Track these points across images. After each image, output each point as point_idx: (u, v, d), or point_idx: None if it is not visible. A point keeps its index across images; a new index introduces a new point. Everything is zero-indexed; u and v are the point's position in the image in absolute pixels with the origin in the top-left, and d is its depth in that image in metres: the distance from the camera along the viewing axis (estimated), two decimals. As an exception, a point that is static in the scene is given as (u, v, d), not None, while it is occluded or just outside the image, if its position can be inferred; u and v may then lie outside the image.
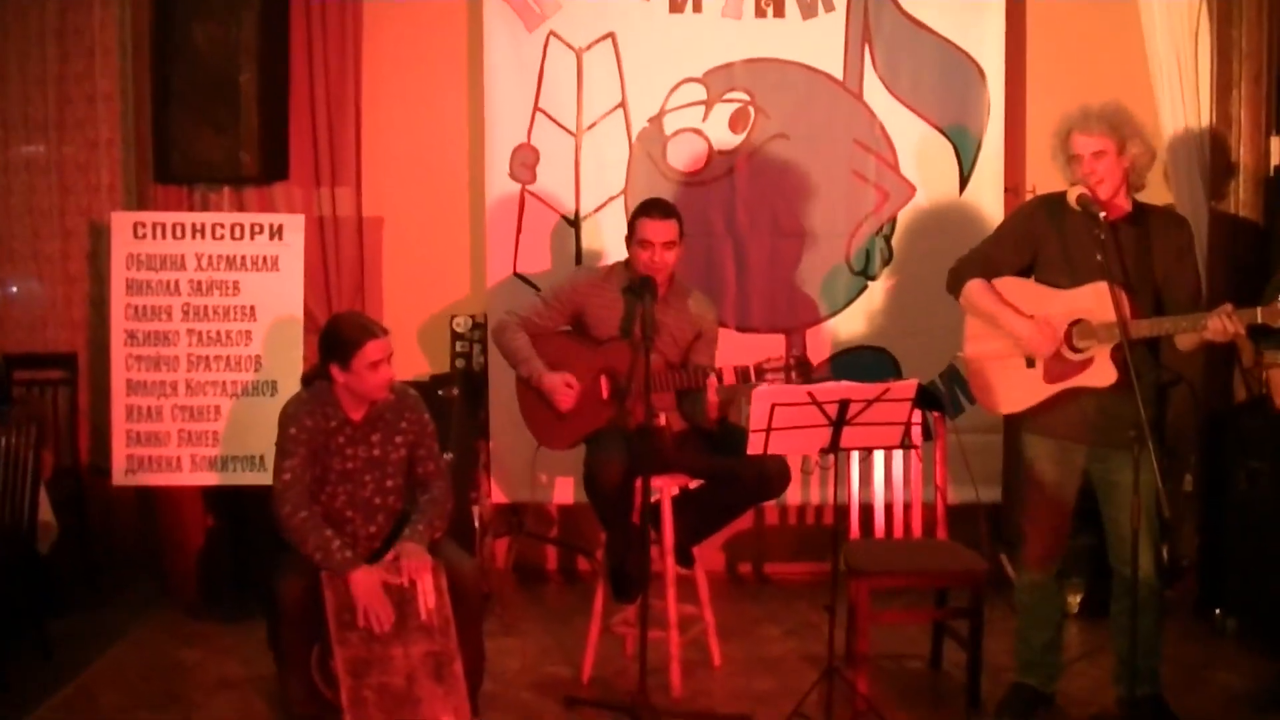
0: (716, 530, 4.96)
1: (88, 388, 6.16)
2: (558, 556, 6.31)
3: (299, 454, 4.23)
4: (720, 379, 4.66)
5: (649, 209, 4.86)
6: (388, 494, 4.38)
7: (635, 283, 4.75)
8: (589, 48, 5.85)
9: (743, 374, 4.65)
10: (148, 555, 6.12)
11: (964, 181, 5.87)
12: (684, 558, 4.87)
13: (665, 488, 4.77)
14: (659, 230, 4.80)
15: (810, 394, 4.08)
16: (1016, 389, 4.33)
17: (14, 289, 6.25)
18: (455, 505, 5.23)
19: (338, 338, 4.25)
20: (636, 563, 4.53)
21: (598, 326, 4.93)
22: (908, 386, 4.18)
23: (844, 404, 4.10)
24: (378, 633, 4.15)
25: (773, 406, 4.06)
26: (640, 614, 4.40)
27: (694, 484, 4.89)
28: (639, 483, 4.52)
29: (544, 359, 4.91)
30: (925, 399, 4.92)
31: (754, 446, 4.12)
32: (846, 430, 4.16)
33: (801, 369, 4.66)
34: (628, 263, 4.93)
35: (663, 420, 4.85)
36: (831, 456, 4.23)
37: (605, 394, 4.85)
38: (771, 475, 4.67)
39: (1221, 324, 3.93)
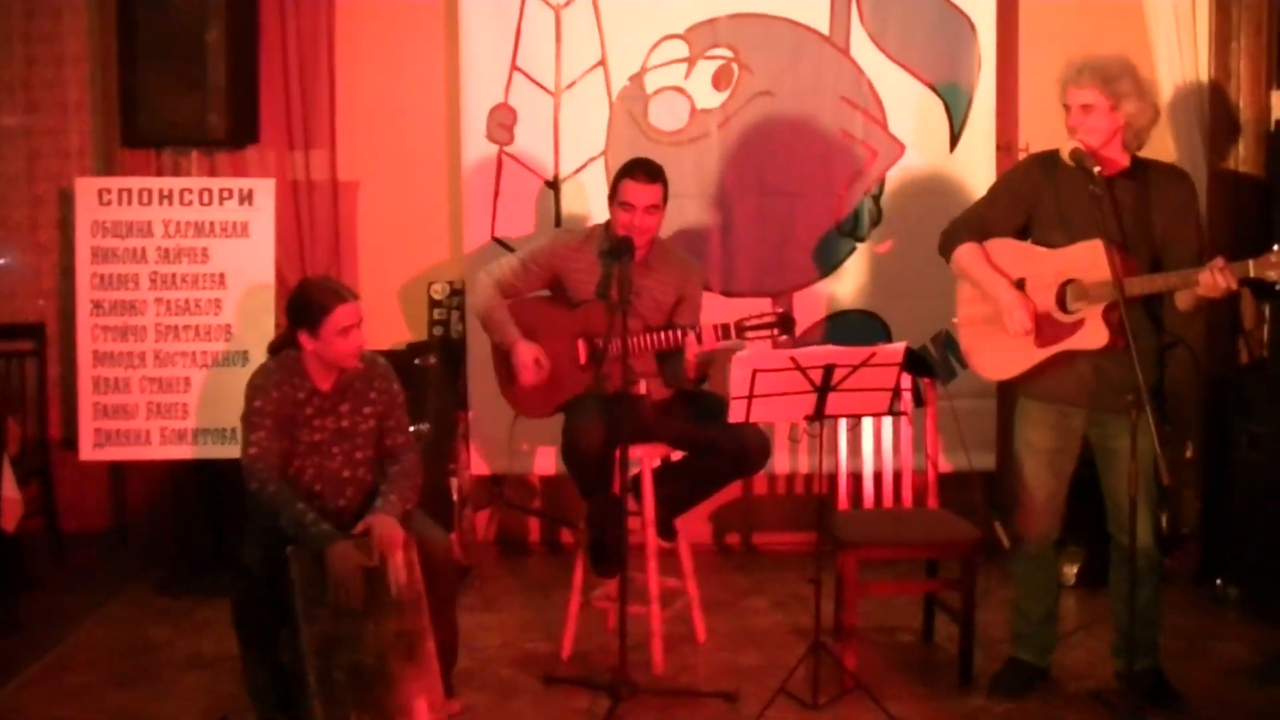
0: (698, 503, 4.82)
1: (58, 359, 6.04)
2: (540, 528, 6.18)
3: (266, 426, 4.08)
4: (700, 337, 4.51)
5: (633, 169, 4.71)
6: (357, 466, 4.22)
7: (613, 244, 4.58)
8: (568, 4, 5.71)
9: (723, 331, 4.49)
10: (120, 530, 6.04)
11: (955, 139, 5.73)
12: (665, 530, 4.73)
13: (646, 458, 4.62)
14: (642, 193, 4.65)
15: (793, 359, 3.96)
16: (1009, 354, 4.19)
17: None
18: (431, 477, 5.17)
19: (306, 302, 4.09)
20: (616, 535, 4.38)
21: (577, 290, 4.78)
22: (895, 351, 4.07)
23: (828, 369, 3.99)
24: (347, 608, 3.97)
25: (754, 372, 3.95)
26: (620, 589, 4.27)
27: (676, 455, 4.74)
28: (626, 453, 4.33)
29: (520, 323, 4.76)
30: (915, 364, 4.86)
31: (735, 414, 4.01)
32: (831, 397, 4.05)
33: (784, 325, 4.50)
34: (608, 224, 4.78)
35: (643, 388, 4.69)
36: (818, 424, 4.12)
37: (583, 359, 4.70)
38: (751, 449, 4.52)
39: (1212, 278, 3.78)
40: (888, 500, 4.76)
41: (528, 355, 4.68)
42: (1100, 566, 4.42)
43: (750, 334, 4.50)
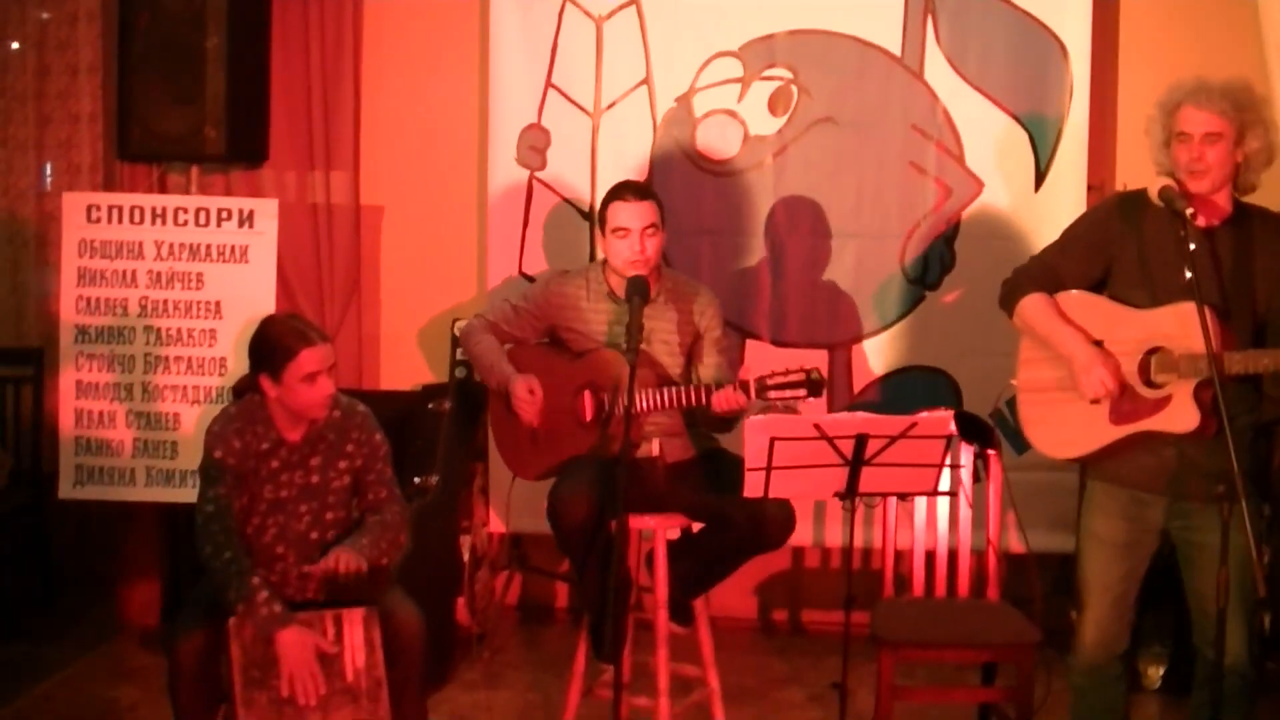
0: (714, 583, 4.31)
1: (56, 387, 5.69)
2: (569, 593, 5.77)
3: (225, 480, 3.75)
4: (706, 396, 4.07)
5: (619, 191, 4.31)
6: (326, 528, 3.85)
7: (628, 285, 4.13)
8: (610, 16, 5.37)
9: (741, 389, 4.03)
10: (117, 575, 5.66)
11: (1040, 177, 5.27)
12: (680, 613, 4.24)
13: (659, 529, 4.15)
14: (636, 213, 4.21)
15: (819, 427, 3.50)
16: (1075, 429, 3.69)
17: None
18: (439, 535, 4.92)
19: (267, 344, 3.75)
20: (612, 621, 3.90)
21: (574, 342, 4.34)
22: (941, 420, 3.61)
23: (861, 439, 3.53)
24: (302, 705, 3.60)
25: (772, 441, 3.49)
26: (615, 684, 3.83)
27: (696, 526, 4.26)
28: (625, 523, 3.90)
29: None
30: (976, 431, 4.37)
31: (751, 488, 3.55)
32: (866, 471, 3.59)
33: (813, 387, 4.01)
34: (604, 265, 4.34)
35: (655, 449, 4.23)
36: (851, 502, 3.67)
37: (588, 415, 4.24)
38: (769, 520, 4.00)
39: None
40: (940, 587, 4.26)
41: (521, 386, 4.25)
42: (1189, 669, 3.87)
43: (772, 394, 4.01)
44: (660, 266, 4.34)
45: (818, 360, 5.19)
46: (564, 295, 4.36)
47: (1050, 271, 3.78)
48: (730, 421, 4.20)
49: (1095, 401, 3.61)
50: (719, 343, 4.37)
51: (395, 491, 3.97)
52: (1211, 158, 3.51)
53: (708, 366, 4.32)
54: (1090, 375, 3.59)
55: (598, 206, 5.26)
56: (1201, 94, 3.52)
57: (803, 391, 4.00)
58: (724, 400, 4.04)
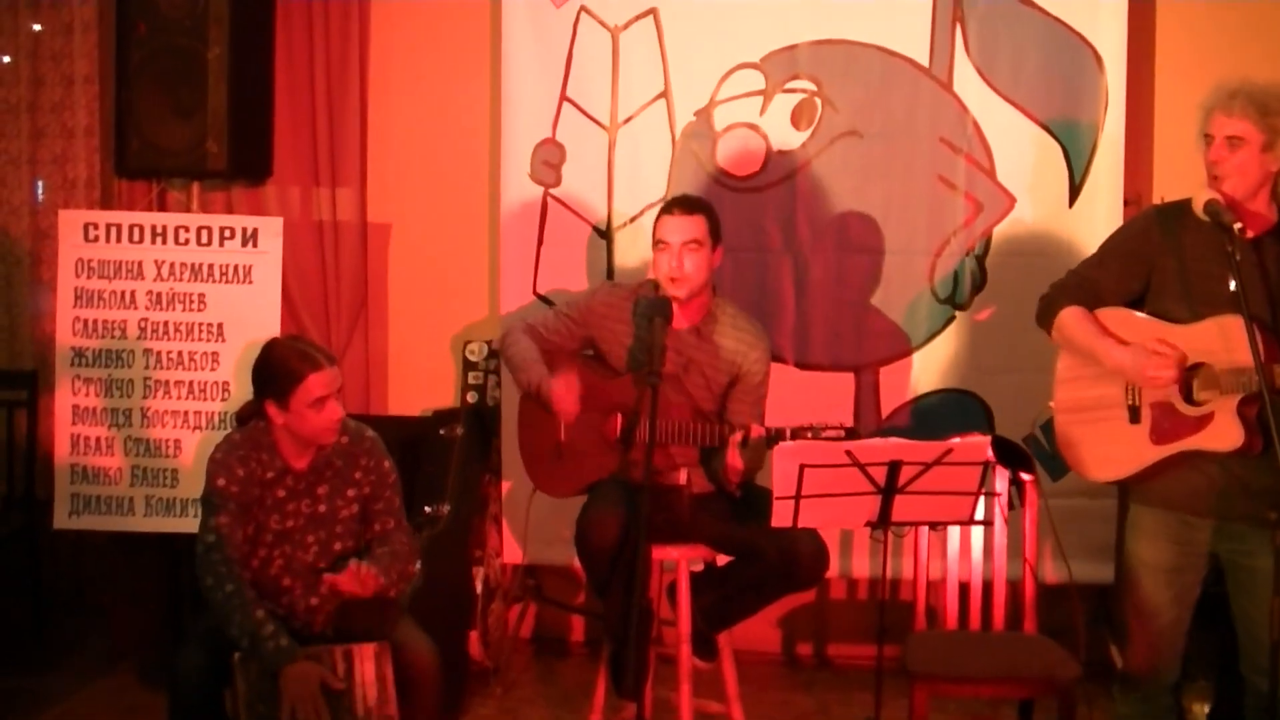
0: (741, 618, 4.33)
1: (51, 411, 5.67)
2: (585, 626, 5.76)
3: (229, 510, 3.76)
4: (747, 436, 4.02)
5: (669, 204, 4.38)
6: (334, 559, 3.85)
7: (648, 303, 4.17)
8: (626, 26, 5.36)
9: (774, 437, 4.00)
10: (113, 607, 5.63)
11: (1075, 191, 5.25)
12: (704, 648, 4.27)
13: (682, 560, 4.18)
14: (678, 226, 4.26)
15: (850, 453, 3.51)
16: (1115, 449, 3.70)
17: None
18: (451, 565, 4.94)
19: (272, 370, 3.77)
20: (634, 651, 3.88)
21: (609, 355, 4.38)
22: (978, 446, 3.60)
23: (894, 466, 3.53)
24: None
25: (801, 468, 3.49)
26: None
27: (721, 559, 4.29)
28: (648, 551, 3.96)
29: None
30: (1012, 456, 4.37)
31: (779, 518, 3.55)
32: (899, 500, 3.59)
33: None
34: (656, 282, 4.37)
35: (682, 477, 4.24)
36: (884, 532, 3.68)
37: (616, 435, 4.28)
38: (801, 556, 4.02)
39: None
40: (975, 620, 4.25)
41: (559, 384, 4.26)
42: (1238, 701, 3.85)
43: None
44: (712, 292, 4.37)
45: (844, 383, 5.31)
46: (609, 306, 4.41)
47: (1088, 285, 3.80)
48: (740, 484, 4.20)
49: (1136, 421, 3.61)
50: (755, 390, 4.35)
51: (403, 522, 3.99)
52: (1232, 162, 3.53)
53: (734, 411, 4.29)
54: (1147, 364, 3.58)
55: (615, 223, 5.37)
56: (1233, 98, 3.55)
57: None
58: (737, 445, 4.04)
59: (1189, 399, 3.58)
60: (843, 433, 3.96)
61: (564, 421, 4.28)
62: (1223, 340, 3.46)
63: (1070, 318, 3.79)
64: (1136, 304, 3.74)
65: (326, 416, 3.74)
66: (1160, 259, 3.66)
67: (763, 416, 4.32)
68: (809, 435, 3.96)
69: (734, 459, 4.04)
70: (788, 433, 3.98)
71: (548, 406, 4.30)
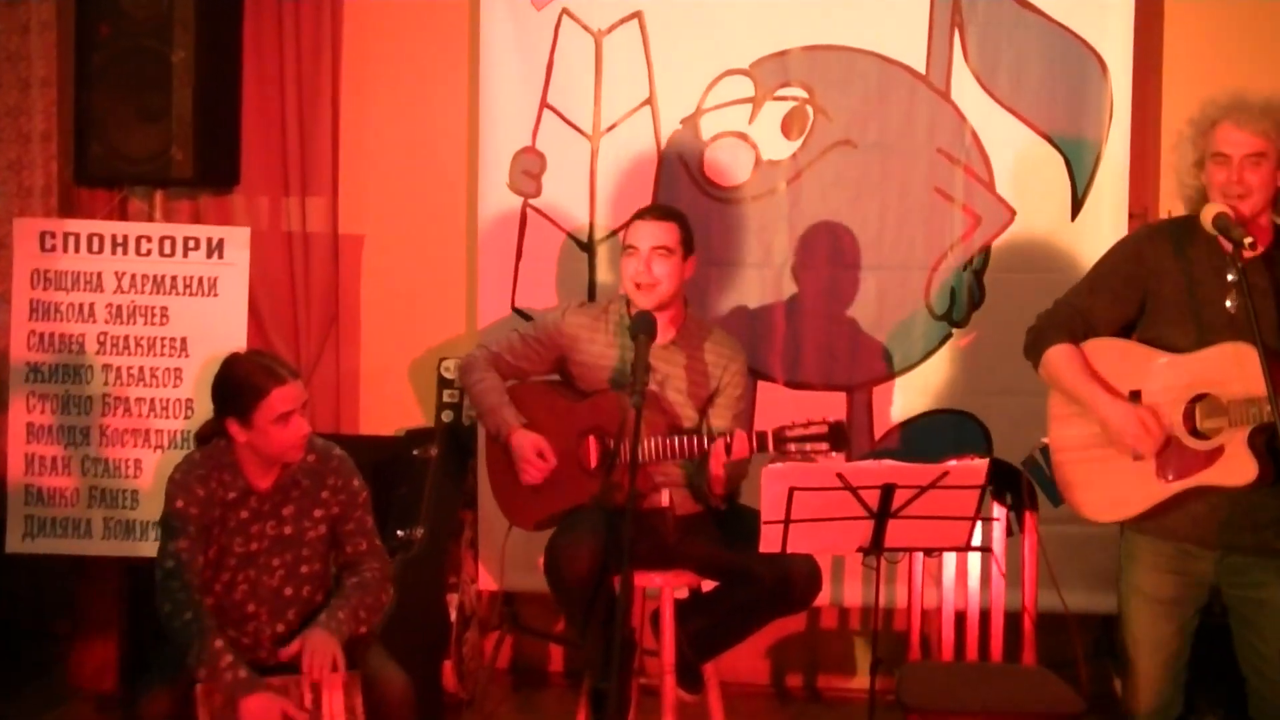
0: (729, 646, 4.37)
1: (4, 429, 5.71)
2: (564, 656, 5.78)
3: (189, 533, 3.75)
4: (729, 445, 4.06)
5: (641, 210, 4.46)
6: (301, 583, 3.87)
7: (632, 320, 4.20)
8: (610, 30, 5.39)
9: (759, 441, 4.07)
10: (73, 633, 5.63)
11: (1078, 204, 5.28)
12: (689, 679, 4.29)
13: (666, 587, 4.20)
14: (648, 232, 4.31)
15: (841, 476, 3.51)
16: (1121, 490, 3.69)
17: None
18: (424, 592, 4.92)
19: (234, 385, 3.78)
20: (616, 684, 3.88)
21: (582, 377, 4.40)
22: (975, 470, 3.59)
23: (887, 490, 3.53)
24: None
25: (790, 491, 3.49)
26: None
27: (706, 584, 4.32)
28: (630, 578, 3.91)
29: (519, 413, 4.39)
30: (1010, 481, 4.40)
31: (768, 543, 3.56)
32: (893, 524, 3.60)
33: (837, 439, 4.06)
34: (627, 297, 4.41)
35: (665, 499, 4.26)
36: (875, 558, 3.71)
37: (592, 461, 4.29)
38: (793, 579, 4.05)
39: None
40: (971, 651, 4.28)
41: (528, 446, 4.29)
42: None
43: (792, 447, 4.06)
44: (682, 305, 4.41)
45: (836, 404, 5.31)
46: (580, 327, 4.43)
47: (1079, 315, 3.78)
48: (725, 495, 4.25)
49: (1139, 458, 3.60)
50: (736, 403, 4.41)
51: (376, 543, 3.99)
52: (1253, 180, 3.52)
53: (717, 423, 4.33)
54: (1129, 430, 3.58)
55: (597, 235, 5.39)
56: (1241, 112, 3.54)
57: (825, 445, 4.05)
58: (737, 448, 4.07)
59: (1194, 432, 3.56)
60: (826, 429, 4.03)
61: (527, 483, 4.31)
62: (1229, 368, 3.46)
63: (1057, 358, 3.77)
64: (1131, 328, 3.75)
65: (292, 432, 3.73)
66: (1158, 280, 3.65)
67: (738, 423, 4.37)
68: (790, 437, 4.04)
69: (717, 467, 4.08)
70: (770, 435, 4.04)
71: (510, 459, 4.34)
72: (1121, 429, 3.59)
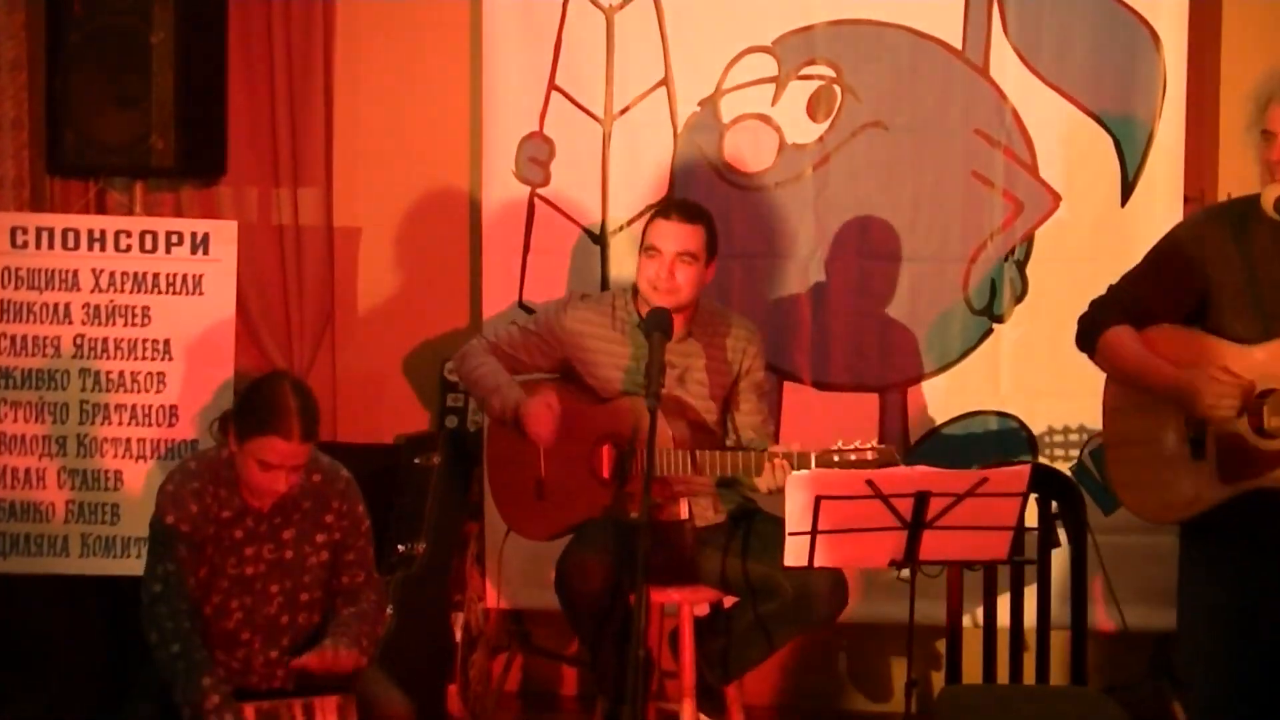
0: (753, 665, 4.43)
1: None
2: (578, 678, 5.80)
3: (177, 552, 3.78)
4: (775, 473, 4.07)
5: (667, 207, 4.49)
6: (299, 610, 3.91)
7: (646, 317, 4.22)
8: (622, 6, 5.41)
9: (799, 462, 4.05)
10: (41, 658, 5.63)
11: (1128, 189, 5.29)
12: (711, 703, 4.34)
13: (685, 603, 4.24)
14: (673, 234, 4.34)
15: (872, 483, 3.55)
16: (1176, 489, 3.65)
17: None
18: (427, 610, 4.97)
19: (251, 402, 3.83)
20: (634, 708, 3.90)
21: (590, 377, 4.42)
22: (1017, 475, 3.67)
23: (921, 498, 3.57)
24: None
25: (817, 500, 3.53)
26: None
27: (728, 601, 4.37)
28: (646, 595, 3.90)
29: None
30: (1058, 488, 4.46)
31: (793, 556, 3.61)
32: (928, 536, 3.64)
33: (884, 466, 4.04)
34: (636, 290, 4.44)
35: (684, 510, 4.26)
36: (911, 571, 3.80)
37: (606, 471, 4.33)
38: (817, 593, 4.13)
39: None
40: (1017, 672, 4.40)
41: (538, 402, 4.32)
42: None
43: None
44: (700, 300, 4.44)
45: (867, 405, 5.35)
46: (583, 322, 4.46)
47: (1135, 303, 3.76)
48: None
49: (1200, 456, 3.57)
50: (760, 386, 4.47)
51: (374, 575, 4.05)
52: None
53: (745, 415, 4.40)
54: (1207, 389, 3.52)
55: (610, 227, 5.42)
56: None
57: None
58: (766, 481, 4.08)
59: (1260, 430, 3.53)
60: (873, 455, 4.01)
61: (541, 447, 4.31)
62: None
63: (1116, 338, 3.74)
64: (1192, 321, 3.71)
65: (268, 481, 3.75)
66: (1221, 268, 3.61)
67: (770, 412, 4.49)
68: (835, 463, 4.01)
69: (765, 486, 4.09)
70: (813, 458, 4.03)
71: (521, 431, 4.34)
72: (1198, 391, 3.53)
